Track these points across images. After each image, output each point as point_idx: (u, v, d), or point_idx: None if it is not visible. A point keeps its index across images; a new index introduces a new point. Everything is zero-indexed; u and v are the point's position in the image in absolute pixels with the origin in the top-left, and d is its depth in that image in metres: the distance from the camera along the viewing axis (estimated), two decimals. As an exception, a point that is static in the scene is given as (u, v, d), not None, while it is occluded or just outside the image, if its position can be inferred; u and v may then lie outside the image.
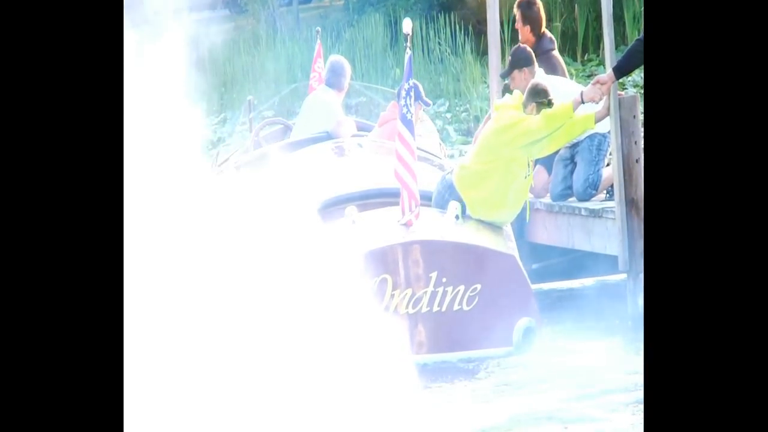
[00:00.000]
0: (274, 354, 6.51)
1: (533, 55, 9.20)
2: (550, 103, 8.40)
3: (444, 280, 7.86)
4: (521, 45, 9.41)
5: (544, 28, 9.78)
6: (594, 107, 8.55)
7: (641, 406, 4.36)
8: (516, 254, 8.17)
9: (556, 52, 9.84)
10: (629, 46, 9.01)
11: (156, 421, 5.87)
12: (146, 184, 6.36)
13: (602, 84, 8.42)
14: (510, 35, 11.08)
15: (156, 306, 6.29)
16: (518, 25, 9.77)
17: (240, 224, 9.14)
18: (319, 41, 12.01)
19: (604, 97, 8.51)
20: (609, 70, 8.67)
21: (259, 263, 7.98)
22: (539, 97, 8.40)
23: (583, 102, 8.44)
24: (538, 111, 8.37)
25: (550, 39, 9.83)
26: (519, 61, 9.12)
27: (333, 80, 10.42)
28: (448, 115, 16.88)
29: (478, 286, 7.88)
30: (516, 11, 9.82)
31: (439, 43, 17.95)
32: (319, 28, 13.02)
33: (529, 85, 8.57)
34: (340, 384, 6.83)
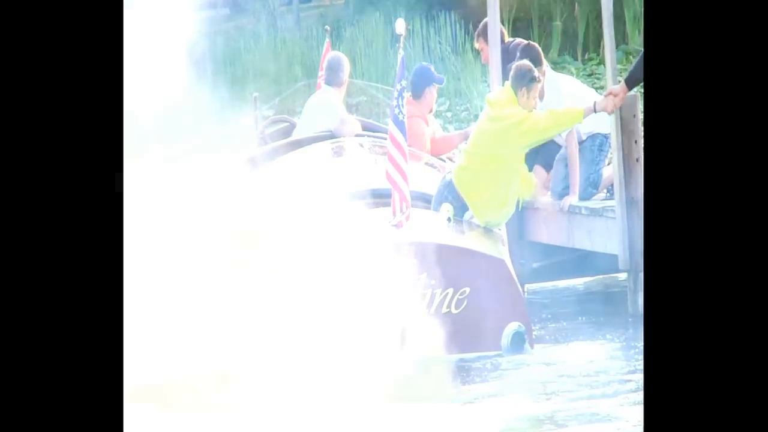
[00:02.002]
0: (270, 350, 6.52)
1: (537, 60, 9.16)
2: (538, 80, 8.44)
3: (433, 282, 7.84)
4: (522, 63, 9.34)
5: (507, 38, 9.96)
6: (585, 103, 8.61)
7: (641, 406, 4.36)
8: (507, 258, 8.14)
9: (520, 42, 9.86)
10: (639, 56, 9.01)
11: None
12: (147, 184, 6.36)
13: (615, 95, 8.47)
14: (510, 34, 11.09)
15: (158, 306, 6.30)
16: (481, 46, 9.93)
17: (240, 221, 9.14)
18: (327, 40, 11.98)
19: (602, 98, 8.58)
20: (610, 69, 8.70)
21: (256, 261, 7.97)
22: (525, 78, 8.42)
23: (595, 111, 8.50)
24: (530, 92, 8.39)
25: (514, 43, 9.87)
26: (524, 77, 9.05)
27: (331, 77, 10.44)
28: (449, 114, 16.89)
29: (467, 290, 7.85)
30: (478, 41, 9.98)
31: (440, 42, 17.96)
32: (328, 27, 13.02)
33: (512, 71, 8.57)
34: (342, 383, 6.84)
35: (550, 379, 7.35)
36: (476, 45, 10.18)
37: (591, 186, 9.25)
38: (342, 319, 6.88)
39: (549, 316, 8.99)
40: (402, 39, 8.30)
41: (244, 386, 6.32)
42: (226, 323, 6.46)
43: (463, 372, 7.60)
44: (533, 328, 8.11)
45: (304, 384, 7.05)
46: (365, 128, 10.38)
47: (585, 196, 9.23)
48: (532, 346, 7.89)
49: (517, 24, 17.88)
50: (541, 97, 8.90)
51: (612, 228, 8.79)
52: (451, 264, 7.89)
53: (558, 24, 17.97)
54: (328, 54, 10.89)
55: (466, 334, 7.81)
